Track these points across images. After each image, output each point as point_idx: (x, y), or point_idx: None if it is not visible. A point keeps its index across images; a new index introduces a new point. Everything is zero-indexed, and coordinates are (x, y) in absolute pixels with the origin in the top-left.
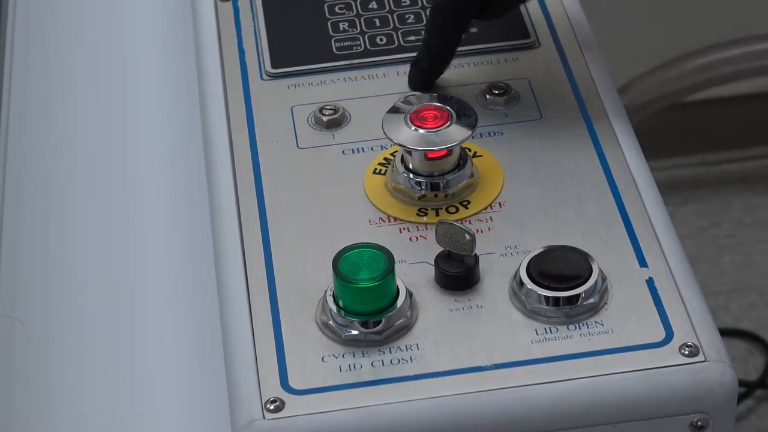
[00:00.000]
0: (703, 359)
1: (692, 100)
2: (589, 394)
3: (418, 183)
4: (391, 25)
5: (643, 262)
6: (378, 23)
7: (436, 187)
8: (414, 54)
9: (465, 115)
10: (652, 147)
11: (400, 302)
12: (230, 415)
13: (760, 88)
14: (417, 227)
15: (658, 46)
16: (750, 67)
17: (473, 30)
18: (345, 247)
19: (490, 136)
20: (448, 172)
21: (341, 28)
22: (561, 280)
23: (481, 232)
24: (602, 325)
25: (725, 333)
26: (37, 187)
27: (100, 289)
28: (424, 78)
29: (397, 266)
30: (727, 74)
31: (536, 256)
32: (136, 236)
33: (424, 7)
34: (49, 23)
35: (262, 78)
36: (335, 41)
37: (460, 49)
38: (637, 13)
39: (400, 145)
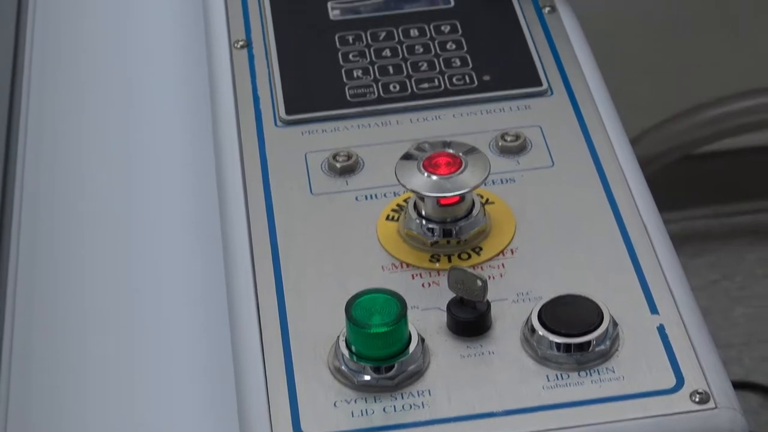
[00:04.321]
0: (714, 406)
1: (704, 151)
2: None
3: (431, 229)
4: (405, 73)
5: (654, 309)
6: (391, 71)
7: (449, 234)
8: (426, 101)
9: (477, 161)
10: (664, 199)
11: (412, 348)
12: None
13: None
14: (429, 273)
15: (670, 97)
16: (762, 119)
17: (486, 78)
18: (358, 293)
19: (502, 183)
20: (461, 219)
21: (355, 75)
22: (572, 326)
23: (493, 278)
24: (613, 371)
25: (737, 386)
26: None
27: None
28: None
29: (409, 312)
30: (738, 126)
31: (548, 303)
32: (151, 282)
33: (437, 55)
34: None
35: (276, 124)
36: (349, 88)
37: (472, 96)
38: (648, 64)
39: (413, 191)
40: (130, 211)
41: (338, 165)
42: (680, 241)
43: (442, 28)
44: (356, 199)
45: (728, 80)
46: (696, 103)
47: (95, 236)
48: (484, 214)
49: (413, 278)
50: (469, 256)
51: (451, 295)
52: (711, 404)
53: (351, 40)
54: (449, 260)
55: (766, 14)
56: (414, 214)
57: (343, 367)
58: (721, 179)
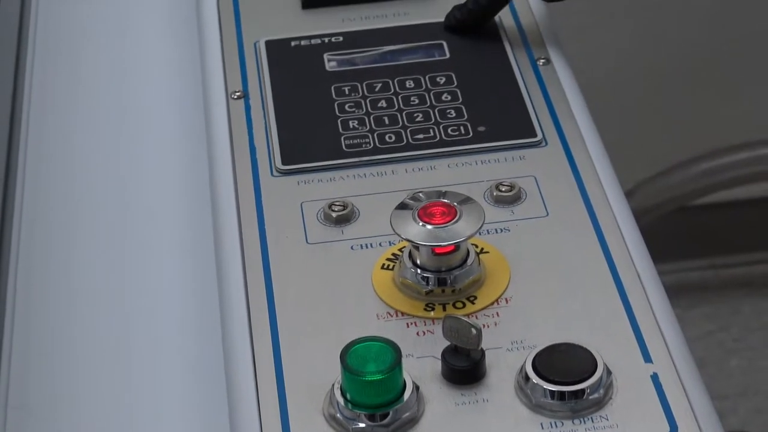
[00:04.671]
0: None
1: (699, 204)
2: None
3: (426, 278)
4: (400, 124)
5: (647, 358)
6: (387, 121)
7: (444, 283)
8: (422, 152)
9: (472, 211)
10: (659, 250)
11: (407, 395)
12: None
13: (766, 192)
14: (424, 322)
15: (664, 149)
16: (756, 172)
17: (481, 129)
18: (353, 341)
19: (497, 232)
20: (456, 268)
21: (351, 126)
22: (566, 374)
23: (488, 327)
24: (607, 419)
25: None
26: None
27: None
28: (462, 20)
29: (404, 360)
30: (733, 178)
31: (542, 351)
32: (144, 339)
33: (432, 106)
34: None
35: (272, 174)
36: (345, 138)
37: (467, 147)
38: (643, 116)
39: (408, 240)
40: (124, 271)
41: (334, 214)
42: (676, 293)
43: (438, 79)
44: (352, 248)
45: (722, 133)
46: (690, 155)
47: (91, 284)
48: (479, 264)
49: (408, 327)
50: (464, 305)
51: (445, 343)
52: None
53: (347, 91)
54: (444, 309)
55: (759, 69)
56: (409, 263)
57: (338, 415)
58: (716, 231)
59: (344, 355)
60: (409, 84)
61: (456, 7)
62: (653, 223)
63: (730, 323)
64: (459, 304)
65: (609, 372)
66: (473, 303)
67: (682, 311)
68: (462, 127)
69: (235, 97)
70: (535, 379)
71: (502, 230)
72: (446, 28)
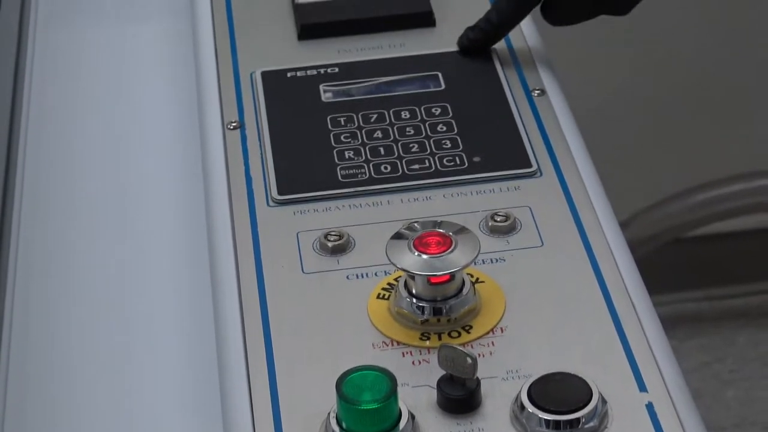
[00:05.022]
0: None
1: (695, 235)
2: None
3: (421, 308)
4: (396, 154)
5: (642, 387)
6: (383, 152)
7: (439, 312)
8: (417, 182)
9: (467, 241)
10: (655, 281)
11: (402, 424)
12: None
13: (761, 223)
14: (420, 351)
15: (659, 180)
16: (751, 203)
17: (476, 159)
18: (348, 370)
19: (492, 262)
20: (451, 298)
21: (347, 156)
22: (562, 403)
23: (483, 356)
24: None
25: None
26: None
27: None
28: (474, 40)
29: (399, 389)
30: (729, 210)
31: (537, 380)
32: (140, 376)
33: (427, 137)
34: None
35: (268, 204)
36: (341, 169)
37: (462, 177)
38: (638, 147)
39: (404, 270)
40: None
41: (330, 244)
42: (671, 324)
43: (433, 110)
44: (347, 277)
45: (718, 164)
46: (686, 186)
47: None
48: (474, 293)
49: (404, 356)
50: (459, 335)
51: (441, 372)
52: None
53: (343, 122)
54: (439, 338)
55: (755, 100)
56: (405, 293)
57: None
58: (712, 262)
59: (340, 384)
60: (405, 115)
61: (469, 29)
62: (649, 254)
63: (726, 354)
64: (454, 334)
65: (604, 401)
66: (468, 332)
67: (678, 342)
68: (457, 158)
69: (231, 127)
70: (530, 408)
71: (497, 260)
72: (460, 49)
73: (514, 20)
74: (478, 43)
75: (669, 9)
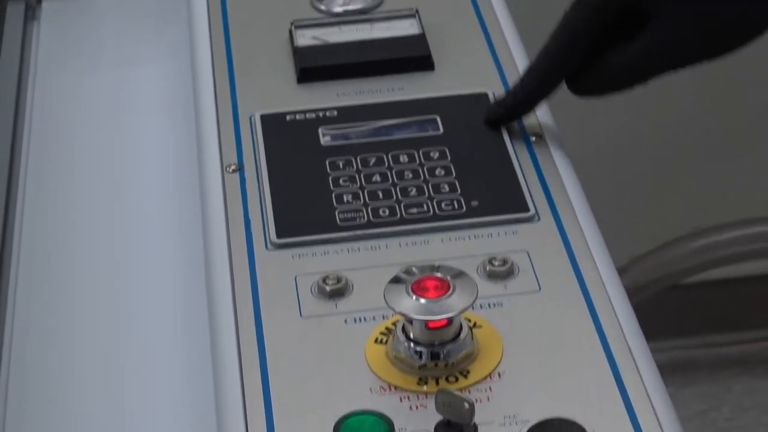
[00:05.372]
0: None
1: (691, 281)
2: None
3: (419, 352)
4: (394, 198)
5: None
6: (381, 195)
7: (437, 357)
8: (415, 226)
9: (465, 285)
10: (651, 328)
11: None
12: None
13: (758, 270)
14: (417, 396)
15: (657, 226)
16: (748, 250)
17: (474, 203)
18: (346, 414)
19: (490, 307)
20: (449, 342)
21: (345, 200)
22: None
23: (481, 401)
24: None
25: None
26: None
27: None
28: (502, 114)
29: None
30: (726, 256)
31: (534, 426)
32: (140, 407)
33: (425, 180)
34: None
35: (266, 248)
36: (339, 212)
37: (460, 222)
38: (636, 193)
39: (402, 314)
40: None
41: (328, 288)
42: (668, 371)
43: (431, 154)
44: (345, 322)
45: (715, 210)
46: (683, 232)
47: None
48: (472, 338)
49: (401, 401)
50: (457, 379)
51: (438, 417)
52: None
53: (341, 165)
54: (437, 383)
55: (753, 147)
56: (402, 337)
57: None
58: (709, 309)
59: (337, 428)
60: (403, 158)
61: (495, 103)
62: (646, 300)
63: (723, 402)
64: (452, 378)
65: None
66: (466, 377)
67: (674, 390)
68: (455, 202)
69: (231, 170)
70: None
71: (494, 305)
72: (486, 122)
73: (539, 97)
74: (503, 119)
75: None
